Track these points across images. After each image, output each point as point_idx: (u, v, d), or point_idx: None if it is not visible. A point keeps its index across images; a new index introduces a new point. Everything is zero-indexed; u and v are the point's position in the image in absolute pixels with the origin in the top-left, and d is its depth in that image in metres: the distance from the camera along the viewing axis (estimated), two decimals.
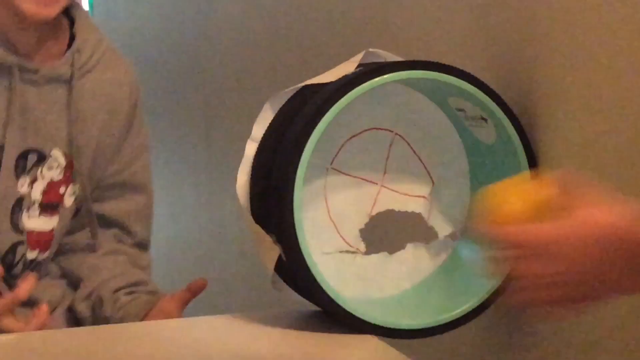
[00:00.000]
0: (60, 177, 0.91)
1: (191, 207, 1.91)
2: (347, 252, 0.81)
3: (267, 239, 0.74)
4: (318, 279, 0.70)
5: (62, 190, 0.91)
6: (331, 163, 0.80)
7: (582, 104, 0.65)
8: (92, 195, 0.94)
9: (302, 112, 0.74)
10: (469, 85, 0.71)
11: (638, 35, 0.57)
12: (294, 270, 0.72)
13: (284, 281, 0.79)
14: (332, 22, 1.22)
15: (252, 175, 0.77)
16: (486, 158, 0.79)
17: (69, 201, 0.92)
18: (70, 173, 0.91)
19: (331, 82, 0.73)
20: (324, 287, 0.70)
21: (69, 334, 0.82)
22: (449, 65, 0.72)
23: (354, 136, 0.80)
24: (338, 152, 0.80)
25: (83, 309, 0.92)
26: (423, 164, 0.82)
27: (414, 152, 0.82)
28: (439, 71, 0.72)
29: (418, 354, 0.70)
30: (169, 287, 2.08)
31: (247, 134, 0.78)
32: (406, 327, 0.73)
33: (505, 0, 0.78)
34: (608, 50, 0.61)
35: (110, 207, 0.96)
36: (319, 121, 0.69)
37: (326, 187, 0.80)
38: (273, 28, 1.47)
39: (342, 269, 0.80)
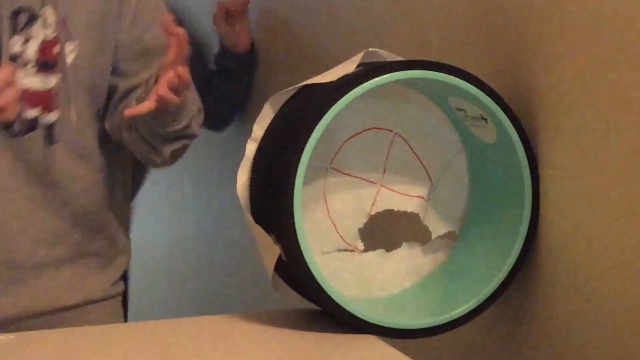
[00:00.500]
0: (54, 35, 0.89)
1: (191, 207, 1.91)
2: (346, 250, 0.81)
3: (267, 239, 0.74)
4: (318, 279, 0.70)
5: (56, 49, 0.89)
6: (331, 163, 0.80)
7: (582, 104, 0.65)
8: (119, 70, 0.93)
9: (302, 112, 0.74)
10: (470, 85, 0.71)
11: (638, 33, 0.57)
12: (294, 270, 0.72)
13: (284, 281, 0.79)
14: (332, 21, 1.22)
15: (252, 175, 0.78)
16: (486, 158, 0.79)
17: (69, 59, 0.90)
18: (64, 31, 0.89)
19: (331, 82, 0.73)
20: (324, 287, 0.70)
21: (67, 333, 0.82)
22: (449, 65, 0.72)
23: (353, 136, 0.80)
24: (337, 152, 0.80)
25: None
26: (422, 164, 0.82)
27: (413, 152, 0.82)
28: (439, 71, 0.72)
29: (418, 354, 0.70)
30: (168, 286, 2.08)
31: (248, 134, 0.78)
32: (406, 327, 0.73)
33: (505, 0, 0.78)
34: (608, 48, 0.61)
35: (140, 79, 0.93)
36: (318, 121, 0.69)
37: (325, 187, 0.80)
38: (272, 26, 1.47)
39: (341, 268, 0.80)
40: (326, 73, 0.77)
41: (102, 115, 0.95)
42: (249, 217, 0.76)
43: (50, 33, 0.89)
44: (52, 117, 0.90)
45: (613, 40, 0.60)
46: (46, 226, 0.92)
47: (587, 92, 0.65)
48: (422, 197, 0.82)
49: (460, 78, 0.71)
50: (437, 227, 0.82)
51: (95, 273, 0.98)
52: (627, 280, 0.59)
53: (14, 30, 0.87)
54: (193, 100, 0.92)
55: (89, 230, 0.96)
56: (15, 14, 0.87)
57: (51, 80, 0.89)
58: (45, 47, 0.89)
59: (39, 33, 0.88)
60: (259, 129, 0.78)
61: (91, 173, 0.95)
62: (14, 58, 0.87)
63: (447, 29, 0.88)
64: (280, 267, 0.75)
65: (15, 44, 0.87)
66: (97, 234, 0.97)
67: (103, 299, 0.99)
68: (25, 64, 0.88)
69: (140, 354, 0.73)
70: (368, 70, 0.73)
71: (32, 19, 0.87)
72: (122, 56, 0.93)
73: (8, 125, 0.87)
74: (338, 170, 0.81)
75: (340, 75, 0.74)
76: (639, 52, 0.57)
